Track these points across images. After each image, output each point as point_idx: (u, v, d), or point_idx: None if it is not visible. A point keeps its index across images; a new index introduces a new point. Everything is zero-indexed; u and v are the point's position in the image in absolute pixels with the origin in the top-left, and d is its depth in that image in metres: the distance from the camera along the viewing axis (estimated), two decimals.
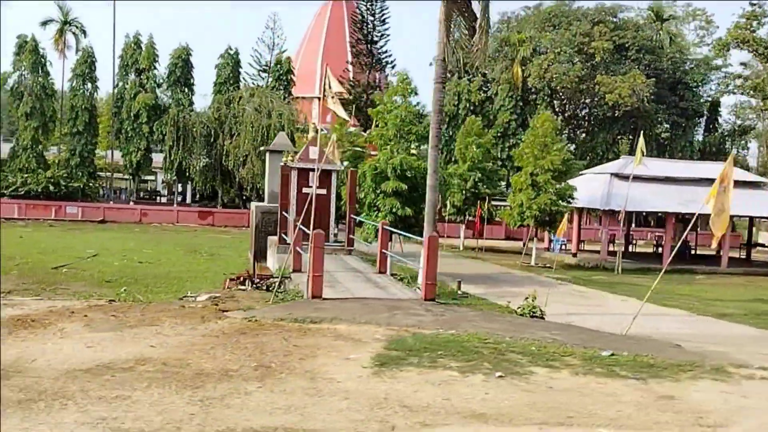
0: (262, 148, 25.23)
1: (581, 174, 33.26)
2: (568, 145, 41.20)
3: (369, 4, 48.38)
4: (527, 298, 12.34)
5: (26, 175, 35.98)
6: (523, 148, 25.26)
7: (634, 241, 34.35)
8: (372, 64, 48.67)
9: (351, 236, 13.95)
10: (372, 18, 48.51)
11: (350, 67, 49.40)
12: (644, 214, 41.31)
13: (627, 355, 8.57)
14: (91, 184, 38.07)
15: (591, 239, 38.01)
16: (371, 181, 18.02)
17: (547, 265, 25.21)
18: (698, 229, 37.05)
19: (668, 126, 46.63)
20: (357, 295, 11.87)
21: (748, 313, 16.18)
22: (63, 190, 35.84)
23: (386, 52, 49.08)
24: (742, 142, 48.30)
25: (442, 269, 21.79)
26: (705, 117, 47.15)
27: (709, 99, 44.12)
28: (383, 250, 14.19)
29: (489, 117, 44.22)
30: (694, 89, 44.90)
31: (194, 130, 36.03)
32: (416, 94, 20.18)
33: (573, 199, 25.53)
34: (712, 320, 14.67)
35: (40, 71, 37.23)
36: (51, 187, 35.69)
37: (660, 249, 32.76)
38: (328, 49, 56.02)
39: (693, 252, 33.64)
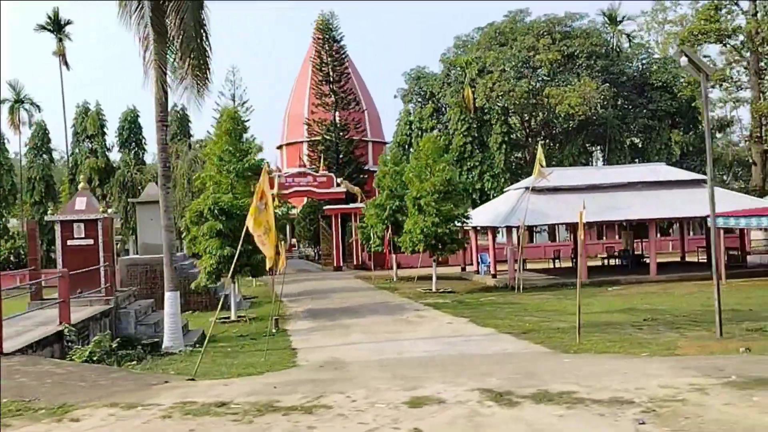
0: (131, 200, 25.47)
1: (505, 191, 32.18)
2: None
3: (326, 46, 48.97)
4: None
5: None
6: (408, 171, 24.58)
7: (557, 255, 32.48)
8: (336, 104, 48.93)
9: (108, 285, 13.64)
10: (330, 59, 49.02)
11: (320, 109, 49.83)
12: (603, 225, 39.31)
13: None
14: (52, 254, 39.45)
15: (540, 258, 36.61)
16: (191, 223, 17.81)
17: (448, 290, 24.17)
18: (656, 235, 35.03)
19: (640, 130, 44.68)
20: None
21: (567, 329, 14.88)
22: (24, 260, 37.16)
23: (348, 91, 49.25)
24: (727, 135, 45.67)
25: (333, 304, 21.42)
26: (680, 117, 44.87)
27: (680, 98, 41.84)
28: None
29: (444, 142, 43.54)
30: (661, 89, 42.89)
31: (140, 187, 36.95)
32: (245, 130, 20.03)
33: (467, 219, 24.58)
34: (490, 339, 13.52)
35: None
36: (12, 258, 37.09)
37: (618, 261, 31.08)
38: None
39: (645, 260, 31.67)
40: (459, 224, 24.07)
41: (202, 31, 12.46)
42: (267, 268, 18.68)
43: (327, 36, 48.97)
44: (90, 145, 39.47)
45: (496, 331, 14.48)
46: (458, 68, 42.56)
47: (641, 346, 11.63)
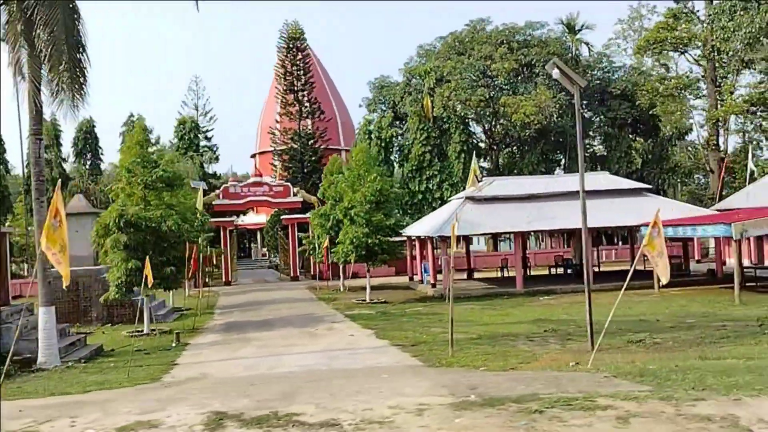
0: None
1: (448, 200, 32.13)
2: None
3: (290, 55, 48.95)
4: None
5: None
6: (341, 182, 24.48)
7: (504, 265, 32.40)
8: (300, 113, 48.89)
9: None
10: (295, 68, 49.00)
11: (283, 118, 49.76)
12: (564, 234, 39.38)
13: None
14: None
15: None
16: (98, 236, 17.64)
17: (381, 301, 24.03)
18: (603, 244, 35.09)
19: (602, 138, 44.82)
20: None
21: (461, 340, 14.75)
22: None
23: (313, 100, 49.22)
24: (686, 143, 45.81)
25: (258, 317, 21.22)
26: (642, 125, 45.00)
27: (638, 106, 41.90)
28: None
29: (404, 151, 43.57)
30: (621, 98, 42.98)
31: (94, 198, 36.72)
32: (156, 143, 19.90)
33: (399, 229, 24.50)
34: (376, 352, 13.39)
35: None
36: None
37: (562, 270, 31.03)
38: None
39: (596, 269, 31.58)
40: (392, 235, 23.92)
41: (76, 42, 12.33)
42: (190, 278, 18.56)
43: (291, 45, 49.00)
44: (45, 156, 39.11)
45: (389, 344, 14.36)
46: (418, 77, 42.58)
47: (507, 358, 11.55)
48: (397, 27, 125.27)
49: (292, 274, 38.54)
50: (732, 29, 29.84)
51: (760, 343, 12.09)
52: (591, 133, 44.69)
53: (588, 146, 45.57)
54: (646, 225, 23.93)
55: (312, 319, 19.71)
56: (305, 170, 47.43)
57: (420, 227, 28.52)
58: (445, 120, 41.46)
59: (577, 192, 28.49)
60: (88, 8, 76.38)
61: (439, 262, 26.77)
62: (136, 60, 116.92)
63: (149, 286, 14.86)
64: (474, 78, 40.07)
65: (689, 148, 45.33)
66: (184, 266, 18.32)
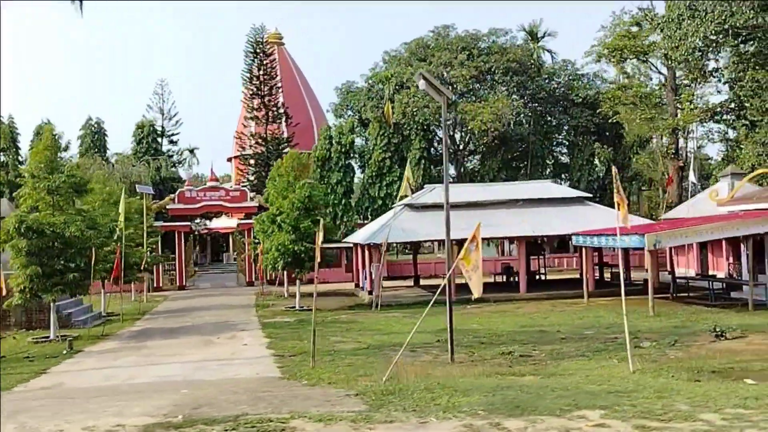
0: None
1: (393, 206, 32.04)
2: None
3: (256, 60, 48.83)
4: None
5: None
6: (269, 189, 24.37)
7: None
8: (267, 118, 48.75)
9: None
10: (261, 73, 48.89)
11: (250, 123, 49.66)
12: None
13: None
14: None
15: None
16: (1, 242, 17.52)
17: (309, 308, 23.86)
18: (545, 253, 34.92)
19: (564, 146, 44.78)
20: None
21: (344, 351, 14.66)
22: None
23: (279, 104, 49.10)
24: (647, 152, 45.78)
25: (178, 323, 21.10)
26: (606, 132, 44.92)
27: (599, 114, 41.82)
28: None
29: (364, 157, 43.51)
30: (582, 106, 42.92)
31: None
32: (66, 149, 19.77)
33: (331, 236, 24.38)
34: (250, 363, 13.28)
35: None
36: None
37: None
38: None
39: (541, 277, 31.51)
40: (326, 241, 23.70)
41: None
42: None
43: (258, 49, 48.91)
44: (1, 158, 39.21)
45: (270, 354, 14.31)
46: (379, 83, 42.55)
47: (366, 370, 11.49)
48: (382, 32, 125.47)
49: (247, 279, 38.40)
50: (678, 38, 29.79)
51: (617, 357, 11.99)
52: (555, 140, 44.67)
53: (552, 153, 45.53)
54: (578, 234, 24.03)
55: (225, 326, 19.58)
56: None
57: (361, 234, 28.42)
58: (405, 126, 41.39)
59: (522, 200, 28.69)
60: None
61: (371, 269, 26.65)
62: (132, 60, 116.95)
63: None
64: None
65: (649, 157, 45.26)
66: (91, 271, 18.16)
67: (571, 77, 45.19)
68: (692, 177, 30.47)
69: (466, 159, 46.64)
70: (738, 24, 27.65)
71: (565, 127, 43.44)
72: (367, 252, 27.40)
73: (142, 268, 25.39)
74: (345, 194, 41.30)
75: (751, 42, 31.60)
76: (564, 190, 29.23)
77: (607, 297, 23.97)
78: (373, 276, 24.89)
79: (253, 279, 37.94)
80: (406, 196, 24.71)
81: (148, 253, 26.95)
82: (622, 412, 6.60)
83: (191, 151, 54.61)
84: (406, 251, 51.68)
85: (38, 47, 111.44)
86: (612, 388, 8.24)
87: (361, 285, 29.52)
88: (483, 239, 32.67)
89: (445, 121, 12.99)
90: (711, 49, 32.74)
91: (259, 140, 47.78)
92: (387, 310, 22.90)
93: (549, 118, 43.79)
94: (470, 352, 13.54)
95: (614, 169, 11.63)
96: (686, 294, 23.81)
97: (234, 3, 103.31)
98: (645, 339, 13.97)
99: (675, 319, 18.00)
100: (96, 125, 40.95)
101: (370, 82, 44.26)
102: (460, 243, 33.15)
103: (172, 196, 37.43)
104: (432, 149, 43.48)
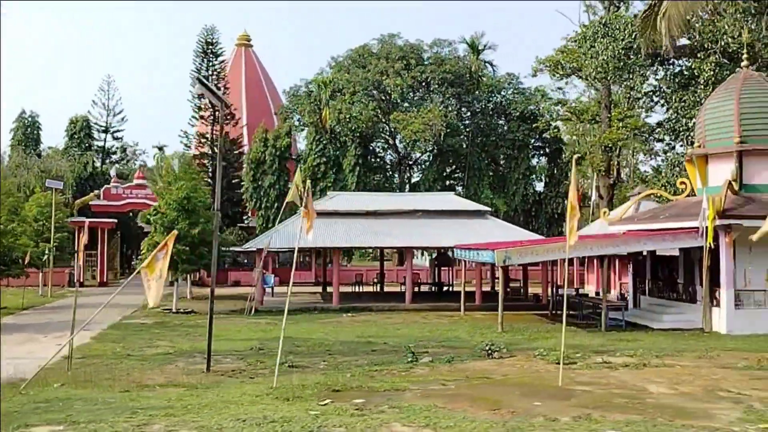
0: None
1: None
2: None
3: (206, 60, 48.83)
4: None
5: None
6: (157, 191, 24.31)
7: (359, 280, 32.27)
8: (214, 118, 48.70)
9: None
10: (209, 73, 48.86)
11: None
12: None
13: None
14: None
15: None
16: None
17: (188, 311, 23.80)
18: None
19: (503, 158, 44.73)
20: None
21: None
22: None
23: (228, 106, 49.00)
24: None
25: (46, 319, 20.92)
26: (547, 146, 45.00)
27: (536, 129, 41.81)
28: None
29: (299, 162, 43.42)
30: (520, 120, 42.93)
31: None
32: None
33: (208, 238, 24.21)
34: None
35: None
36: None
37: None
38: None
39: (449, 289, 31.41)
40: (199, 244, 23.62)
41: None
42: None
43: (208, 50, 48.91)
44: None
45: (62, 357, 14.08)
46: (316, 88, 42.56)
47: (121, 375, 11.42)
48: (358, 35, 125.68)
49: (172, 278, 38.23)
50: (590, 56, 29.83)
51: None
52: (494, 153, 44.58)
53: (491, 166, 45.45)
54: (459, 247, 23.94)
55: (69, 325, 19.36)
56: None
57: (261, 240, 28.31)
58: (341, 133, 41.35)
59: (416, 211, 28.57)
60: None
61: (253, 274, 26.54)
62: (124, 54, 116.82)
63: None
64: (368, 93, 40.01)
65: (584, 174, 45.19)
66: None
67: (515, 91, 45.25)
68: (594, 195, 30.44)
69: (409, 169, 46.58)
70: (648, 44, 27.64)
71: (504, 141, 43.35)
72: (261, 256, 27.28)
73: (26, 263, 25.22)
74: (278, 197, 41.21)
75: (671, 63, 31.68)
76: (465, 203, 29.19)
77: (489, 311, 23.81)
78: (255, 281, 24.78)
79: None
80: (292, 202, 24.47)
81: (34, 247, 26.78)
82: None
83: (160, 149, 54.47)
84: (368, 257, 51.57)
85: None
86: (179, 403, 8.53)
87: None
88: (369, 249, 32.11)
89: (222, 128, 12.92)
90: (637, 67, 32.69)
91: (202, 140, 47.81)
92: (258, 316, 22.77)
93: (487, 131, 43.73)
94: (258, 361, 13.36)
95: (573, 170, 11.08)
96: (570, 312, 23.63)
97: (221, 4, 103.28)
98: (428, 354, 13.82)
99: (517, 336, 17.89)
100: (29, 119, 40.87)
101: (309, 86, 44.24)
102: (348, 251, 32.83)
103: (97, 192, 37.34)
104: (370, 157, 43.39)
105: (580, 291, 30.23)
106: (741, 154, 20.62)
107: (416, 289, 30.64)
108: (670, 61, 30.53)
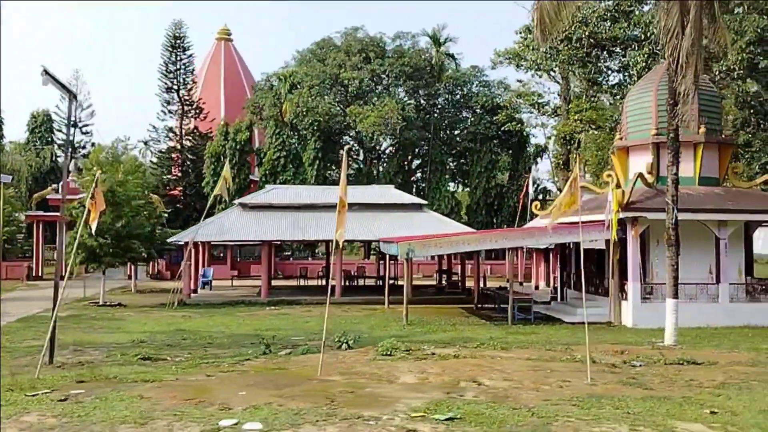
0: None
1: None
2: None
3: (174, 54, 48.85)
4: None
5: None
6: (82, 183, 24.42)
7: (303, 274, 32.24)
8: (183, 112, 48.78)
9: None
10: (176, 68, 48.91)
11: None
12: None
13: None
14: None
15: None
16: None
17: (114, 303, 23.94)
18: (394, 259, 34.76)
19: (463, 152, 44.64)
20: None
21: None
22: None
23: (195, 100, 49.04)
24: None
25: None
26: (510, 139, 44.81)
27: (496, 122, 41.62)
28: None
29: (259, 155, 43.52)
30: (483, 113, 42.79)
31: None
32: None
33: (136, 231, 24.35)
34: None
35: None
36: None
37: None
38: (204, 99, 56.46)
39: (395, 282, 31.34)
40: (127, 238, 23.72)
41: None
42: None
43: (176, 44, 48.94)
44: None
45: None
46: (277, 81, 42.58)
47: None
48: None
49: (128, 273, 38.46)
50: (528, 46, 29.74)
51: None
52: (455, 146, 44.51)
53: (452, 159, 45.37)
54: (381, 240, 23.97)
55: None
56: (186, 169, 47.37)
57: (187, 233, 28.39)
58: (301, 126, 41.37)
59: (353, 204, 28.49)
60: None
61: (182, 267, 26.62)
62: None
63: None
64: (325, 86, 39.98)
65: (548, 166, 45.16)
66: None
67: (479, 84, 45.11)
68: (531, 189, 30.40)
69: (371, 162, 46.55)
70: (581, 35, 27.58)
71: (467, 134, 43.27)
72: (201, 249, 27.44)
73: None
74: (238, 191, 41.29)
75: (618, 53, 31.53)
76: (403, 196, 29.14)
77: (419, 304, 23.74)
78: (181, 274, 24.90)
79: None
80: (219, 195, 24.65)
81: None
82: None
83: (145, 143, 54.55)
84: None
85: None
86: None
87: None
88: (319, 241, 32.13)
89: (69, 118, 12.94)
90: (584, 57, 32.51)
91: (170, 134, 47.94)
92: (181, 309, 22.87)
93: (450, 124, 43.66)
94: (121, 354, 13.42)
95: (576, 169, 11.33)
96: (493, 306, 23.64)
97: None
98: (295, 347, 13.89)
99: (417, 329, 17.92)
100: None
101: (271, 80, 44.25)
102: (277, 245, 32.57)
103: (54, 186, 37.50)
104: (331, 151, 43.40)
105: (523, 285, 30.21)
106: (658, 146, 20.54)
107: (360, 282, 30.78)
108: (614, 52, 30.45)
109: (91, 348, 14.42)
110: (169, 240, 25.98)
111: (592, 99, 37.60)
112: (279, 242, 30.81)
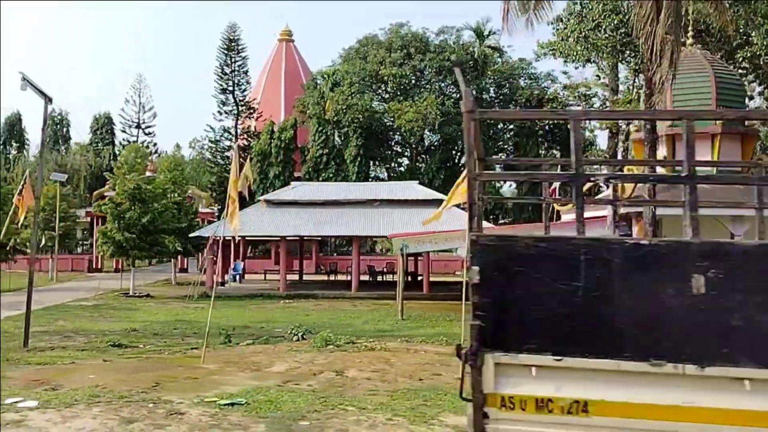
0: None
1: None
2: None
3: (227, 55, 50.66)
4: None
5: None
6: (113, 181, 25.81)
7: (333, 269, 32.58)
8: (237, 112, 50.51)
9: None
10: (231, 69, 50.68)
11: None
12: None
13: None
14: None
15: None
16: None
17: (145, 294, 25.19)
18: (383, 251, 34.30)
19: (512, 146, 43.82)
20: None
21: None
22: None
23: (249, 100, 50.59)
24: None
25: None
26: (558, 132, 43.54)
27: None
28: None
29: (304, 152, 44.35)
30: (529, 107, 41.75)
31: None
32: None
33: (164, 226, 25.47)
34: None
35: None
36: None
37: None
38: (265, 100, 58.50)
39: (417, 278, 31.22)
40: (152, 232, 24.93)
41: None
42: None
43: (231, 46, 50.72)
44: None
45: None
46: (320, 79, 43.29)
47: None
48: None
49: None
50: (560, 37, 28.81)
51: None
52: (501, 141, 43.77)
53: (501, 154, 44.59)
54: (391, 236, 23.97)
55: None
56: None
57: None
58: (342, 124, 41.89)
59: (374, 200, 28.79)
60: None
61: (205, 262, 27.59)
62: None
63: None
64: (365, 83, 40.31)
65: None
66: None
67: (527, 77, 44.12)
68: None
69: (416, 157, 46.47)
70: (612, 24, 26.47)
71: (511, 128, 42.47)
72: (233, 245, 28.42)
73: (10, 248, 27.41)
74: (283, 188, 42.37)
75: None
76: (427, 192, 28.94)
77: (439, 300, 23.59)
78: (203, 267, 25.89)
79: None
80: (241, 192, 25.34)
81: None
82: None
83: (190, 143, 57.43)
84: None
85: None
86: None
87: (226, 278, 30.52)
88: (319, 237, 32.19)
89: (45, 121, 13.78)
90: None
91: (226, 134, 49.83)
92: (200, 301, 23.78)
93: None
94: (99, 340, 14.24)
95: None
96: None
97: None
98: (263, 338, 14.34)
99: (409, 324, 18.06)
100: (59, 116, 44.14)
101: (316, 79, 45.01)
102: (320, 241, 32.97)
103: (111, 184, 39.87)
104: (375, 147, 43.65)
105: None
106: (673, 138, 19.49)
107: (388, 278, 30.85)
108: None
109: (82, 335, 15.35)
110: (190, 235, 26.95)
111: (639, 90, 35.95)
112: (297, 238, 31.03)
